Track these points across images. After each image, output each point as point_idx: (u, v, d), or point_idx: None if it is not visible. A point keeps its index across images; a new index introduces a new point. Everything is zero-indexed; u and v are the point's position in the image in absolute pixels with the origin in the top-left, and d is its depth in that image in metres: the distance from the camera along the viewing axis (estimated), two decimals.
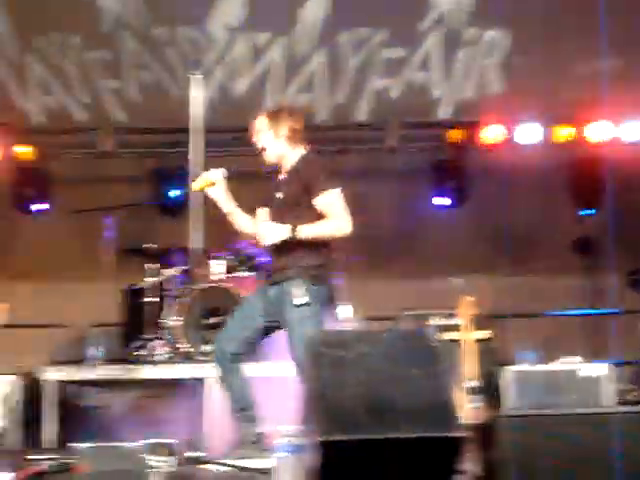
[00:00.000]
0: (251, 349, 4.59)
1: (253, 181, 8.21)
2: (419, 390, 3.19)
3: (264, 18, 7.65)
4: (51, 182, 8.44)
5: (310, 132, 7.92)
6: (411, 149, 8.33)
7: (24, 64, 7.89)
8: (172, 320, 6.94)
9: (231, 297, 6.88)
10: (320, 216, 4.36)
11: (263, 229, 4.37)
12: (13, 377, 6.22)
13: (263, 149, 4.54)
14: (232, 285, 7.11)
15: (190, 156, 4.88)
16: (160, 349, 6.88)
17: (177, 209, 8.13)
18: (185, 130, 7.68)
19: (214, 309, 6.75)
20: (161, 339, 6.96)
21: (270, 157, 4.55)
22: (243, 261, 7.32)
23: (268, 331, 4.56)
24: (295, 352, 4.34)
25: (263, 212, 4.62)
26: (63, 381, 6.55)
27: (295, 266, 4.37)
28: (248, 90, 7.96)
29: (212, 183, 4.49)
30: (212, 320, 6.72)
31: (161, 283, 7.13)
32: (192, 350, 6.72)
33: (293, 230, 4.28)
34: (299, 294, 4.29)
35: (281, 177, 4.59)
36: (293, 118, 4.56)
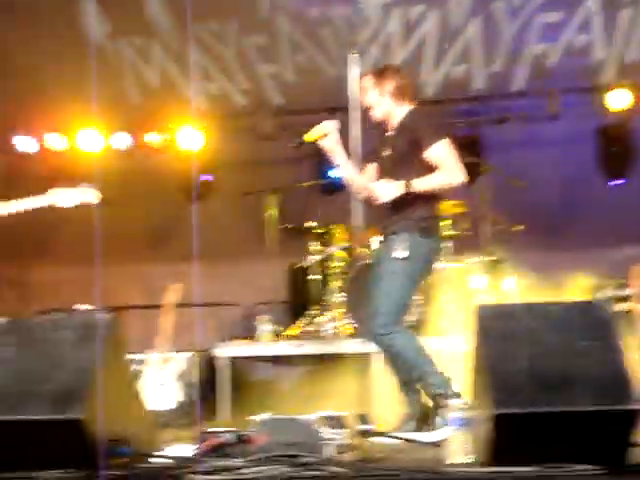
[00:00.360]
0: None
1: None
2: (593, 363, 3.11)
3: None
4: (216, 166, 8.71)
5: (467, 102, 7.98)
6: (573, 115, 7.98)
7: (185, 52, 8.18)
8: (336, 297, 7.06)
9: None
10: (431, 168, 4.34)
11: (377, 188, 4.34)
12: (189, 354, 6.51)
13: (370, 107, 4.55)
14: None
15: (351, 134, 4.90)
16: (326, 325, 7.01)
17: (338, 188, 8.24)
18: (343, 109, 7.79)
19: None
20: (326, 315, 7.09)
21: (376, 115, 4.58)
22: None
23: None
24: (376, 304, 4.35)
25: (372, 168, 4.64)
26: (235, 357, 6.81)
27: (404, 219, 4.38)
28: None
29: (325, 135, 4.53)
30: None
31: (324, 261, 7.26)
32: (357, 326, 6.81)
33: (407, 185, 4.26)
34: (400, 247, 4.30)
35: (388, 134, 4.58)
36: (398, 75, 4.60)
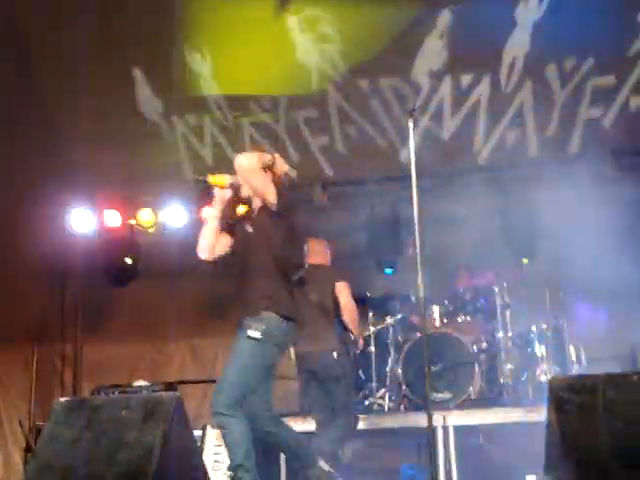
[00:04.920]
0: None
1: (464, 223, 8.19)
2: None
3: (466, 58, 7.57)
4: None
5: (523, 168, 7.90)
6: (632, 177, 7.83)
7: (238, 127, 8.28)
8: (395, 368, 6.94)
9: (452, 343, 6.80)
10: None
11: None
12: None
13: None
14: (452, 331, 7.03)
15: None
16: (385, 398, 6.89)
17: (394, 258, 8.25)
18: (395, 178, 7.76)
19: (436, 356, 6.68)
20: (385, 388, 6.97)
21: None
22: (462, 306, 7.24)
23: None
24: (223, 380, 4.41)
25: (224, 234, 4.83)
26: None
27: (256, 300, 4.51)
28: (455, 133, 7.91)
29: (225, 186, 4.70)
30: (434, 368, 6.64)
31: (382, 331, 7.17)
32: (416, 398, 6.67)
33: None
34: (253, 327, 4.39)
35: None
36: None
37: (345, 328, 6.16)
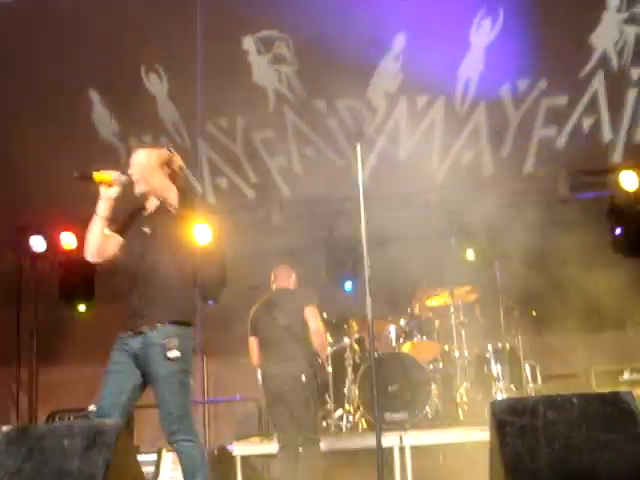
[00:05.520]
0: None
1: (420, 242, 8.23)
2: (621, 456, 2.97)
3: (421, 80, 7.63)
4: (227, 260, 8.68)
5: (478, 187, 7.96)
6: (584, 197, 7.95)
7: (196, 149, 8.25)
8: (351, 389, 6.93)
9: (408, 363, 6.80)
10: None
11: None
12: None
13: None
14: (409, 350, 7.04)
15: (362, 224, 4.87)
16: (342, 418, 6.87)
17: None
18: (351, 199, 7.76)
19: (393, 376, 6.68)
20: (342, 408, 6.95)
21: None
22: (418, 325, 7.26)
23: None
24: (168, 408, 4.22)
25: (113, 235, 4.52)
26: (249, 455, 6.66)
27: (166, 309, 4.32)
28: (411, 154, 7.96)
29: (111, 183, 4.36)
30: (391, 388, 6.64)
31: (339, 352, 7.16)
32: (371, 419, 6.66)
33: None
34: (170, 346, 4.24)
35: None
36: None
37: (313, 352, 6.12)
